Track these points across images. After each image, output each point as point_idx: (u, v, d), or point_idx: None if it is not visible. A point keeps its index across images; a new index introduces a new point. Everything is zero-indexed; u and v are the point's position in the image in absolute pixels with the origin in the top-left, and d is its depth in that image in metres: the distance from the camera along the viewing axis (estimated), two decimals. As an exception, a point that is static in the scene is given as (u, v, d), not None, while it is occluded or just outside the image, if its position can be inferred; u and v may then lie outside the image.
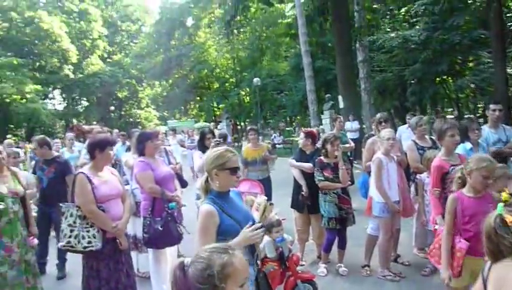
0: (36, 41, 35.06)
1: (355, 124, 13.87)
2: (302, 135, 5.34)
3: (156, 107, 46.48)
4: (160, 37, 33.60)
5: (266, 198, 2.80)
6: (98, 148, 3.60)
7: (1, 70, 29.72)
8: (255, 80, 22.78)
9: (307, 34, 16.52)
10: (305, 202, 4.96)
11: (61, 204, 3.48)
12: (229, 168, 2.46)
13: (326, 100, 16.90)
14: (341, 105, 15.46)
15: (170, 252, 4.39)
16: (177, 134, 15.41)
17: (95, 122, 37.89)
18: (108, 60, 43.00)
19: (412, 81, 18.44)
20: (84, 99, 44.86)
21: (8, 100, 31.56)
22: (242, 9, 14.08)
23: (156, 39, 34.16)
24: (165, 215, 4.07)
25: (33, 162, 7.80)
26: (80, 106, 46.24)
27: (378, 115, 5.64)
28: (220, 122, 24.64)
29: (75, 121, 41.72)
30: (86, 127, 32.23)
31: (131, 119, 44.15)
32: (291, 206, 5.26)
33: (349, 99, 15.19)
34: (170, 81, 35.01)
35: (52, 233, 5.71)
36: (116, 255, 3.54)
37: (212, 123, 15.84)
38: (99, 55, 41.56)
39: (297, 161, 5.16)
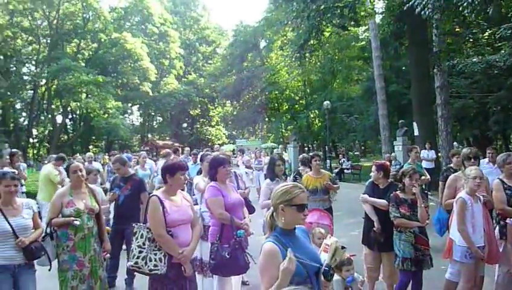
0: (120, 61, 37.60)
1: (431, 154, 13.12)
2: (373, 167, 5.06)
3: (225, 126, 47.64)
4: (233, 58, 34.60)
5: (337, 240, 2.63)
6: (168, 173, 3.64)
7: (88, 87, 32.17)
8: (325, 102, 22.53)
9: (381, 58, 16.11)
10: (378, 239, 4.65)
11: (134, 224, 3.55)
12: (296, 204, 2.35)
13: (399, 126, 16.21)
14: (416, 132, 14.75)
15: (235, 278, 4.33)
16: (244, 154, 15.54)
17: (167, 138, 39.66)
18: (183, 79, 45.00)
19: (495, 109, 17.18)
20: (159, 115, 47.21)
21: (92, 114, 34.00)
22: (315, 34, 14.05)
23: (230, 60, 35.22)
24: (233, 242, 4.01)
25: (110, 176, 8.22)
26: (154, 122, 48.72)
27: (467, 150, 5.21)
28: (288, 143, 24.59)
29: (150, 136, 43.94)
30: (160, 142, 33.73)
31: (201, 136, 45.55)
32: (362, 242, 4.98)
33: (424, 127, 14.45)
34: (241, 101, 35.80)
35: (124, 247, 5.87)
36: (180, 281, 3.52)
37: (280, 146, 15.80)
38: (175, 75, 43.63)
39: (369, 196, 4.89)
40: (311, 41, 14.72)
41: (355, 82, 28.17)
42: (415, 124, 14.84)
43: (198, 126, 48.05)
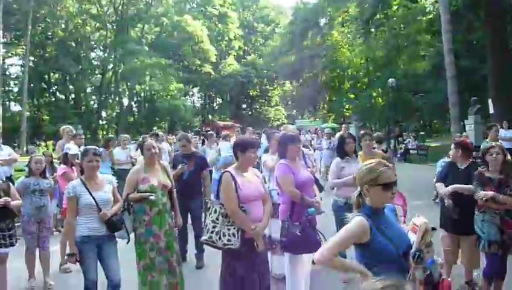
0: (181, 44, 38.44)
1: (509, 133, 12.17)
2: (452, 145, 4.71)
3: (284, 106, 47.43)
4: (293, 37, 34.08)
5: (426, 221, 2.47)
6: (239, 150, 3.64)
7: (152, 70, 33.30)
8: (390, 80, 21.58)
9: (451, 31, 15.07)
10: (452, 215, 4.34)
11: (207, 199, 3.60)
12: (382, 183, 2.23)
13: (471, 104, 15.16)
14: (491, 110, 13.74)
15: (306, 257, 4.29)
16: (301, 134, 15.37)
17: (227, 119, 40.27)
18: (242, 60, 45.18)
19: None
20: (219, 97, 47.93)
21: (155, 96, 35.23)
22: (382, 7, 13.37)
23: (289, 39, 34.74)
24: (304, 220, 3.96)
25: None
26: (215, 103, 49.59)
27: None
28: (350, 123, 23.98)
29: (210, 117, 44.86)
30: (220, 123, 34.32)
31: (261, 117, 45.75)
32: (440, 226, 4.68)
33: (501, 104, 13.42)
34: (301, 80, 35.36)
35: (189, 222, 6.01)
36: (252, 256, 3.53)
37: (344, 125, 15.44)
38: (234, 56, 43.90)
39: (447, 177, 4.54)
40: (378, 16, 14.03)
41: (422, 58, 26.69)
42: (490, 101, 13.83)
43: (258, 107, 48.25)
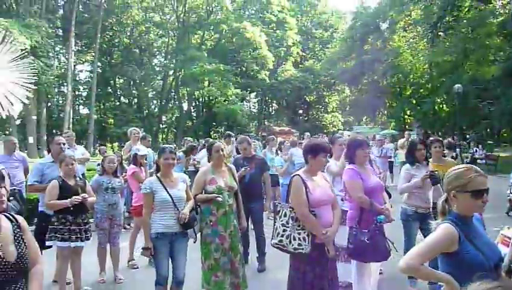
0: (239, 50, 39.04)
1: None
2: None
3: (341, 112, 46.65)
4: (353, 42, 33.49)
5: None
6: (310, 154, 3.60)
7: (210, 75, 34.08)
8: (456, 86, 20.53)
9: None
10: None
11: (276, 202, 3.58)
12: (472, 190, 2.09)
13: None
14: None
15: (374, 265, 4.16)
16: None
17: (283, 125, 40.27)
18: (300, 65, 45.04)
19: None
20: (275, 102, 48.03)
21: (213, 101, 36.00)
22: (452, 9, 12.74)
23: (349, 44, 34.16)
24: (373, 228, 3.83)
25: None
26: (271, 109, 49.76)
27: None
28: (411, 130, 23.11)
29: (266, 122, 45.08)
30: (276, 128, 34.27)
31: (316, 123, 45.31)
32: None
33: None
34: (360, 86, 34.62)
35: (251, 226, 6.03)
36: (322, 262, 3.47)
37: (406, 132, 14.87)
38: (292, 62, 43.88)
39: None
40: (447, 18, 13.37)
41: (491, 63, 25.17)
42: None
43: (314, 113, 47.82)
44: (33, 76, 14.18)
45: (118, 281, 5.47)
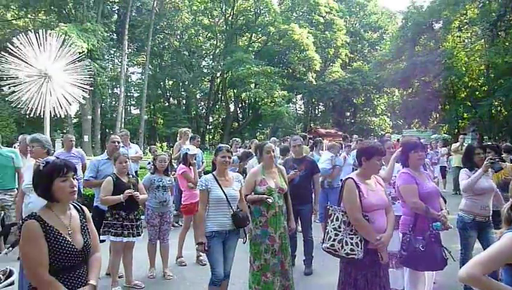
0: (286, 52, 38.96)
1: None
2: None
3: (390, 115, 45.38)
4: (404, 42, 32.43)
5: None
6: (364, 156, 3.50)
7: (257, 77, 34.25)
8: (516, 88, 19.42)
9: None
10: None
11: (328, 206, 3.50)
12: None
13: None
14: None
15: (428, 274, 3.98)
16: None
17: (330, 127, 39.75)
18: (348, 67, 44.31)
19: None
20: (321, 104, 47.50)
21: (259, 103, 36.16)
22: (513, 7, 12.02)
23: (399, 45, 33.14)
24: (428, 235, 3.67)
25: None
26: (317, 110, 49.29)
27: None
28: (465, 134, 22.05)
29: (312, 124, 44.70)
30: (322, 131, 33.78)
31: (364, 126, 44.34)
32: None
33: None
34: (411, 88, 33.48)
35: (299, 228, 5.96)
36: (375, 268, 3.36)
37: (460, 136, 14.19)
38: (340, 63, 43.25)
39: None
40: (507, 16, 12.60)
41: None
42: None
43: (361, 115, 46.83)
44: (89, 78, 14.75)
45: (167, 277, 5.58)
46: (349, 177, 3.46)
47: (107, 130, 37.75)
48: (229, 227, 4.05)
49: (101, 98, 32.16)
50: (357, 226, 3.28)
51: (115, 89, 38.06)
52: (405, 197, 3.89)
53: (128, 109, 41.75)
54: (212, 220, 4.04)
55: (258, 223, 4.32)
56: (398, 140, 20.03)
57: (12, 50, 11.90)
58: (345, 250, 3.25)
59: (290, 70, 40.22)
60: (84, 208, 2.51)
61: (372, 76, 38.06)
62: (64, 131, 32.34)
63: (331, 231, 3.33)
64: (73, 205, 2.43)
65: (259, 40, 42.06)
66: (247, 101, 41.90)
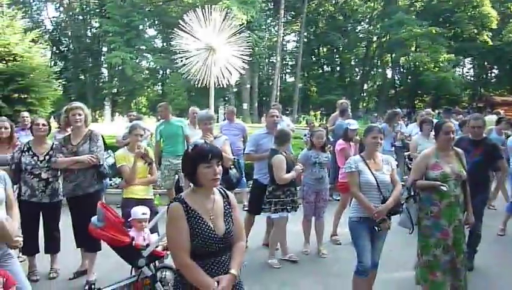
0: (455, 9, 34.62)
1: None
2: None
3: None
4: None
5: None
6: None
7: (419, 40, 31.33)
8: None
9: None
10: None
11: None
12: None
13: None
14: None
15: None
16: None
17: (505, 93, 34.50)
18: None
19: None
20: (495, 67, 41.20)
21: (421, 68, 33.19)
22: None
23: None
24: None
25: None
26: (490, 75, 43.01)
27: None
28: None
29: (482, 90, 39.48)
30: (497, 98, 29.61)
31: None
32: None
33: None
34: None
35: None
36: None
37: None
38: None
39: None
40: None
41: None
42: None
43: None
44: (249, 48, 15.31)
45: (321, 255, 5.49)
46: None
47: (263, 98, 39.37)
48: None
49: (259, 67, 33.47)
50: None
51: (271, 57, 39.16)
52: None
53: (283, 77, 42.63)
54: (359, 206, 3.78)
55: (428, 213, 3.80)
56: None
57: (183, 26, 13.02)
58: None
59: (458, 31, 35.65)
60: (230, 194, 2.45)
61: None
62: (226, 99, 34.86)
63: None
64: (218, 190, 2.39)
65: (422, -2, 38.14)
66: (405, 66, 38.96)
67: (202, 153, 2.25)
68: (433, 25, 32.43)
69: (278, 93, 34.20)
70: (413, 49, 33.91)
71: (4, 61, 12.58)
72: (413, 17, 34.58)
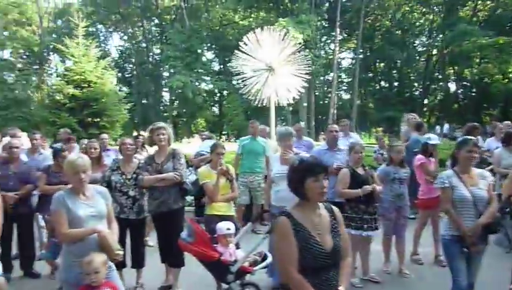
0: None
1: None
2: None
3: None
4: None
5: None
6: None
7: (485, 51, 29.86)
8: None
9: None
10: None
11: None
12: None
13: None
14: None
15: None
16: None
17: None
18: None
19: None
20: None
21: (487, 80, 31.51)
22: None
23: None
24: None
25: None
26: None
27: None
28: None
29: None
30: None
31: None
32: None
33: None
34: None
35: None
36: None
37: None
38: None
39: None
40: None
41: None
42: None
43: None
44: (307, 67, 15.40)
45: (403, 275, 5.27)
46: None
47: (319, 116, 39.10)
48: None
49: (315, 85, 33.37)
50: None
51: (327, 75, 38.96)
52: None
53: (339, 94, 42.21)
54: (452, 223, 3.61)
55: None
56: None
57: (242, 48, 13.35)
58: None
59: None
60: (336, 209, 2.42)
61: None
62: (283, 118, 35.01)
63: None
64: (324, 205, 2.37)
65: (486, 7, 36.44)
66: (470, 79, 37.20)
67: (310, 167, 2.26)
68: (500, 34, 30.83)
69: (335, 111, 33.85)
70: (477, 60, 32.30)
71: (80, 88, 13.53)
72: (477, 27, 33.11)
